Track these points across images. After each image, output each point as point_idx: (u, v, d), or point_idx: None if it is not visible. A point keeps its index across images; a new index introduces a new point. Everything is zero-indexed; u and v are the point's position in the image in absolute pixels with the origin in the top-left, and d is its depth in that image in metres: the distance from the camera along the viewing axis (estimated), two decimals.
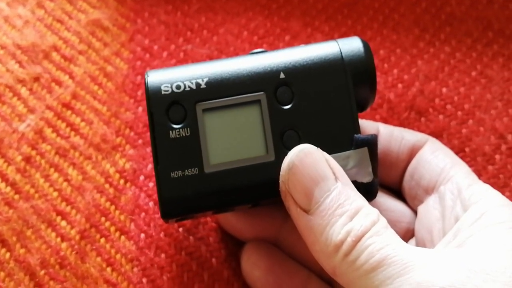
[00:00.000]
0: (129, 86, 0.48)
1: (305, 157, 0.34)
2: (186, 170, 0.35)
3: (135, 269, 0.41)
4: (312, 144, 0.34)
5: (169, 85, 0.36)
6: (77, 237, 0.42)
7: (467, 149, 0.45)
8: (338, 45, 0.37)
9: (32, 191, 0.43)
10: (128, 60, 0.49)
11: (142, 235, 0.42)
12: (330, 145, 0.35)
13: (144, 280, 0.40)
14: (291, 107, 0.36)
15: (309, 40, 0.50)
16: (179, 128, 0.35)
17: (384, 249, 0.31)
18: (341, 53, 0.37)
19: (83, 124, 0.46)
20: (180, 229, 0.42)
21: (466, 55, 0.49)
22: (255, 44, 0.50)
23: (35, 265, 0.41)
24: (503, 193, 0.36)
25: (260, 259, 0.40)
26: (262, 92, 0.36)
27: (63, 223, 0.42)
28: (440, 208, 0.37)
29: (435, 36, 0.50)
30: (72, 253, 0.41)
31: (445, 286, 0.29)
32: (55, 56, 0.49)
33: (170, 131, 0.35)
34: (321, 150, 0.34)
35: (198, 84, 0.36)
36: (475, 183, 0.37)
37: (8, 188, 0.43)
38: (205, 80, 0.36)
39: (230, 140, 0.36)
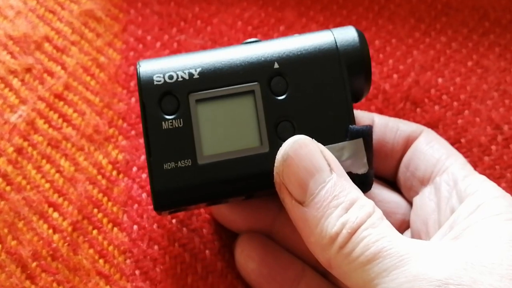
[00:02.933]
0: (121, 77, 0.47)
1: (299, 148, 0.33)
2: (179, 162, 0.35)
3: (128, 261, 0.40)
4: (307, 135, 0.34)
5: (162, 75, 0.35)
6: (69, 229, 0.41)
7: (463, 140, 0.45)
8: (333, 34, 0.37)
9: (23, 182, 0.43)
10: (121, 50, 0.49)
11: (135, 227, 0.42)
12: (325, 136, 0.35)
13: (137, 272, 0.40)
14: (285, 97, 0.35)
15: (304, 30, 0.50)
16: (171, 119, 0.35)
17: (380, 241, 0.30)
18: (335, 43, 0.36)
19: (75, 115, 0.46)
20: (173, 221, 0.42)
21: (462, 45, 0.49)
22: (249, 34, 0.50)
23: (27, 257, 0.40)
24: (499, 184, 0.36)
25: (254, 251, 0.39)
26: (256, 83, 0.35)
27: (55, 214, 0.42)
28: (436, 199, 0.37)
29: (431, 26, 0.50)
30: (64, 245, 0.41)
31: (441, 278, 0.28)
32: (47, 47, 0.49)
33: (163, 122, 0.35)
34: (315, 141, 0.34)
35: (191, 74, 0.35)
36: (471, 174, 0.36)
37: (0, 180, 0.43)
38: (198, 70, 0.35)
39: (224, 131, 0.35)
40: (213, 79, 0.35)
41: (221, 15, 0.51)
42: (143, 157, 0.44)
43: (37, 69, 0.47)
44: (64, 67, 0.48)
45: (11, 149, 0.44)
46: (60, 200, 0.42)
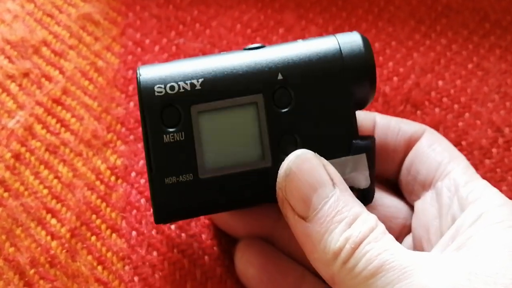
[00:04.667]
0: (120, 81, 0.47)
1: (302, 163, 0.33)
2: (180, 176, 0.34)
3: (127, 268, 0.40)
4: (310, 149, 0.34)
5: (163, 86, 0.34)
6: (68, 235, 0.41)
7: (463, 143, 0.45)
8: (337, 41, 0.36)
9: (21, 188, 0.43)
10: (119, 54, 0.49)
11: (134, 233, 0.41)
12: (328, 150, 0.34)
13: (136, 278, 0.40)
14: (288, 110, 0.35)
15: (303, 32, 0.50)
16: (173, 132, 0.34)
17: (382, 254, 0.30)
18: (340, 50, 0.35)
19: (73, 120, 0.45)
20: (172, 227, 0.42)
21: (462, 47, 0.49)
22: (249, 37, 0.50)
23: (25, 264, 0.40)
24: (500, 188, 0.36)
25: (254, 256, 0.39)
26: (259, 94, 0.35)
27: (53, 221, 0.42)
28: (437, 205, 0.37)
29: (431, 28, 0.50)
30: (63, 252, 0.41)
31: None
32: (45, 51, 0.48)
33: (164, 135, 0.34)
34: (318, 156, 0.33)
35: (193, 85, 0.34)
36: (472, 180, 0.36)
37: None
38: (200, 80, 0.34)
39: (226, 144, 0.35)
40: (216, 90, 0.34)
41: (220, 18, 0.51)
42: (142, 162, 0.44)
43: (35, 73, 0.47)
44: (62, 72, 0.47)
45: (8, 155, 0.44)
46: (58, 206, 0.42)
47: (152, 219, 0.41)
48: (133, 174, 0.43)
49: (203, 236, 0.41)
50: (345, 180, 0.34)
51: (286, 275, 0.39)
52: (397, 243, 0.31)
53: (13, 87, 0.47)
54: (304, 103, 0.35)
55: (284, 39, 0.49)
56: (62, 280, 0.40)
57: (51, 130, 0.45)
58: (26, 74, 0.47)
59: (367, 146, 0.35)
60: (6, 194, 0.42)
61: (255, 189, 0.35)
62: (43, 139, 0.44)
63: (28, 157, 0.44)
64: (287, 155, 0.33)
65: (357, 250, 0.31)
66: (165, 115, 0.34)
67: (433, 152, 0.38)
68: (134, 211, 0.42)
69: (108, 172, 0.43)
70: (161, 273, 0.40)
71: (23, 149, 0.44)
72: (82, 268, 0.40)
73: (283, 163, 0.33)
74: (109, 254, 0.41)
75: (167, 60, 0.48)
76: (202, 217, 0.42)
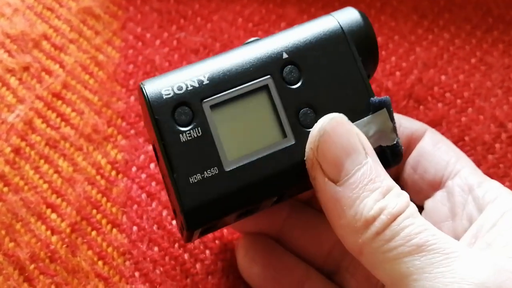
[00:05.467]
0: (120, 75, 0.47)
1: (337, 125, 0.32)
2: (205, 172, 0.33)
3: (127, 263, 0.40)
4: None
5: (170, 88, 0.33)
6: (68, 230, 0.41)
7: (466, 138, 0.44)
8: (334, 17, 0.36)
9: (21, 183, 0.42)
10: (120, 48, 0.48)
11: (135, 228, 0.41)
12: (348, 114, 0.34)
13: (137, 273, 0.40)
14: (300, 85, 0.34)
15: None
16: (189, 130, 0.33)
17: (424, 233, 0.29)
18: (339, 23, 0.35)
19: (73, 114, 0.45)
20: (174, 222, 0.41)
21: (465, 41, 0.48)
22: (250, 31, 0.49)
23: (25, 259, 0.40)
24: (503, 183, 0.35)
25: (258, 254, 0.39)
26: (268, 76, 0.34)
27: (53, 216, 0.41)
28: (449, 205, 0.36)
29: (434, 23, 0.49)
30: (63, 247, 0.40)
31: (491, 286, 0.28)
32: (45, 45, 0.48)
33: (180, 135, 0.33)
34: (351, 123, 0.33)
35: (200, 81, 0.34)
36: (485, 180, 0.35)
37: None
38: (207, 75, 0.34)
39: (245, 132, 0.34)
40: (224, 82, 0.34)
41: (221, 12, 0.50)
42: (143, 156, 0.43)
43: (35, 67, 0.47)
44: (62, 66, 0.47)
45: (8, 149, 0.43)
46: (59, 201, 0.42)
47: (153, 214, 0.41)
48: (133, 168, 0.43)
49: None
50: (371, 141, 0.33)
51: (290, 272, 0.38)
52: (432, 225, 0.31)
53: (13, 81, 0.46)
54: (314, 74, 0.35)
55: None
56: (62, 275, 0.39)
57: (51, 124, 0.45)
58: (26, 68, 0.47)
59: (385, 101, 0.34)
60: (6, 189, 0.42)
61: (283, 169, 0.34)
62: (43, 134, 0.44)
63: (28, 151, 0.44)
64: (308, 128, 0.33)
65: (394, 223, 0.30)
66: (177, 115, 0.33)
67: (439, 151, 0.38)
68: (135, 206, 0.42)
69: (109, 166, 0.43)
70: (162, 268, 0.40)
71: (23, 144, 0.44)
72: (83, 263, 0.40)
73: (316, 124, 0.32)
74: (109, 249, 0.40)
75: (168, 54, 0.48)
76: None
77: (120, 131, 0.45)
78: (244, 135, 0.34)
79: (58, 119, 0.45)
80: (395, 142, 0.34)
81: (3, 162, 0.43)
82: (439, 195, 0.37)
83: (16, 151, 0.43)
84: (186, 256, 0.40)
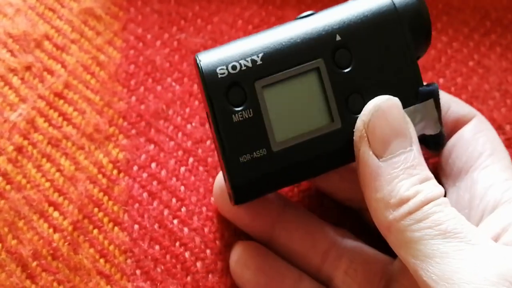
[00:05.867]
0: (122, 76, 0.47)
1: (392, 106, 0.33)
2: (254, 153, 0.34)
3: (129, 261, 0.40)
4: None
5: (225, 67, 0.34)
6: (70, 228, 0.41)
7: None
8: None
9: (24, 181, 0.43)
10: (121, 49, 0.49)
11: (136, 226, 0.41)
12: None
13: (138, 272, 0.40)
14: (351, 69, 0.35)
15: None
16: (241, 111, 0.34)
17: (452, 221, 0.30)
18: (393, 3, 0.35)
19: (75, 113, 0.45)
20: (175, 221, 0.42)
21: (463, 44, 0.49)
22: (250, 33, 0.49)
23: (27, 257, 0.40)
24: None
25: (250, 259, 0.39)
26: (320, 59, 0.34)
27: (56, 214, 0.42)
28: (469, 196, 0.36)
29: (432, 25, 0.49)
30: (65, 244, 0.41)
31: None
32: (47, 45, 0.48)
33: (233, 115, 0.34)
34: (403, 110, 0.34)
35: (254, 61, 0.34)
36: (507, 180, 0.35)
37: (0, 179, 0.43)
38: (260, 55, 0.34)
39: (294, 114, 0.34)
40: (277, 63, 0.34)
41: (221, 14, 0.51)
42: (144, 156, 0.44)
43: (37, 67, 0.47)
44: (64, 66, 0.47)
45: (11, 148, 0.44)
46: (61, 199, 0.42)
47: (154, 212, 0.42)
48: (135, 168, 0.43)
49: (205, 230, 0.41)
50: (416, 128, 0.34)
51: (283, 278, 0.39)
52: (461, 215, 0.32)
53: (15, 81, 0.47)
54: (365, 59, 0.35)
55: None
56: (64, 273, 0.40)
57: (53, 124, 0.45)
58: (28, 68, 0.47)
59: (434, 91, 0.35)
60: (8, 187, 0.42)
61: (329, 153, 0.35)
62: (45, 133, 0.44)
63: (30, 150, 0.44)
64: (355, 114, 0.34)
65: (426, 206, 0.31)
66: (230, 95, 0.34)
67: (476, 142, 0.38)
68: (137, 205, 0.42)
69: (110, 165, 0.43)
70: (163, 266, 0.40)
71: (25, 142, 0.44)
72: (84, 261, 0.40)
73: (372, 100, 0.33)
74: (111, 247, 0.41)
75: (168, 54, 0.48)
76: (204, 211, 0.42)
77: (121, 130, 0.45)
78: (293, 117, 0.34)
79: (60, 119, 0.45)
80: (438, 132, 0.35)
81: (6, 160, 0.43)
82: (463, 184, 0.37)
83: (19, 149, 0.44)
84: (187, 254, 0.41)
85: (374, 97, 0.34)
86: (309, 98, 0.35)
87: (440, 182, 0.39)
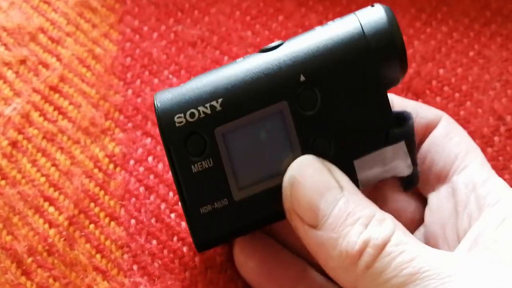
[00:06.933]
0: (118, 68, 0.47)
1: (305, 169, 0.32)
2: (215, 203, 0.33)
3: (126, 256, 0.40)
4: (345, 147, 0.33)
5: (182, 115, 0.33)
6: (66, 224, 0.41)
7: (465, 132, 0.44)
8: (359, 21, 0.33)
9: (18, 176, 0.42)
10: (117, 41, 0.48)
11: (133, 221, 0.41)
12: (365, 143, 0.33)
13: (135, 267, 0.40)
14: (316, 111, 0.33)
15: (303, 20, 0.49)
16: (200, 160, 0.33)
17: (415, 260, 0.29)
18: (363, 32, 0.33)
19: (71, 107, 0.45)
20: (172, 215, 0.41)
21: (463, 35, 0.48)
22: (248, 24, 0.49)
23: (22, 253, 0.40)
24: (502, 176, 0.35)
25: (254, 249, 0.38)
26: (283, 101, 0.33)
27: (51, 209, 0.41)
28: (453, 201, 0.35)
29: (432, 16, 0.49)
30: (60, 240, 0.40)
31: None
32: (42, 38, 0.48)
33: (192, 166, 0.33)
34: (322, 160, 0.32)
35: (213, 108, 0.33)
36: (489, 178, 0.35)
37: None
38: (220, 101, 0.33)
39: (257, 160, 0.33)
40: (237, 108, 0.33)
41: (218, 5, 0.50)
42: (141, 150, 0.43)
43: (32, 60, 0.47)
44: (59, 59, 0.47)
45: (5, 143, 0.43)
46: (56, 194, 0.42)
47: (151, 207, 0.41)
48: (131, 162, 0.43)
49: None
50: (386, 170, 0.33)
51: (287, 268, 0.38)
52: (423, 244, 0.30)
53: (10, 74, 0.46)
54: (332, 100, 0.33)
55: (283, 27, 0.49)
56: (60, 269, 0.39)
57: (48, 118, 0.44)
58: (23, 61, 0.47)
59: (405, 133, 0.34)
60: (3, 182, 0.42)
61: None
62: (40, 127, 0.44)
63: (25, 144, 0.43)
64: (323, 156, 0.33)
65: (381, 254, 0.29)
66: (189, 144, 0.33)
67: (450, 143, 0.37)
68: (133, 199, 0.42)
69: (106, 160, 0.43)
70: (161, 261, 0.40)
71: (20, 137, 0.44)
72: (80, 257, 0.40)
73: (285, 174, 0.32)
74: (107, 243, 0.40)
75: (165, 47, 0.48)
76: None
77: (117, 124, 0.44)
78: (256, 164, 0.33)
79: (55, 112, 0.45)
80: (409, 174, 0.34)
81: (0, 155, 0.43)
82: (444, 190, 0.36)
83: (13, 144, 0.43)
84: (185, 249, 0.40)
85: (340, 140, 0.33)
86: (272, 143, 0.33)
87: (417, 189, 0.39)
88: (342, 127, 0.33)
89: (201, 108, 0.33)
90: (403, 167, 0.34)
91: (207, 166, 0.33)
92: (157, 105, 0.33)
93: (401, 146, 0.34)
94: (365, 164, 0.34)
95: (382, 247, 0.30)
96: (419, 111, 0.38)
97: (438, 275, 0.28)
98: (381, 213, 0.31)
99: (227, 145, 0.33)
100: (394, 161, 0.34)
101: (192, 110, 0.33)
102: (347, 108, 0.33)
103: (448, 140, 0.37)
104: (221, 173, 0.33)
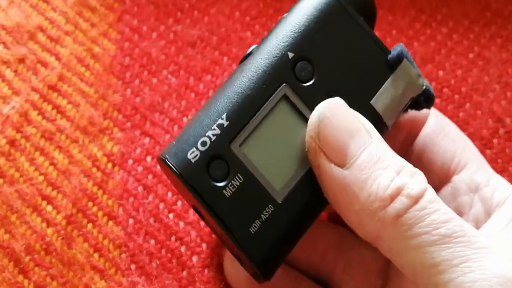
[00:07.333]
0: (117, 68, 0.47)
1: (336, 109, 0.31)
2: (261, 215, 0.31)
3: (123, 255, 0.40)
4: (356, 93, 0.32)
5: (194, 148, 0.31)
6: (63, 222, 0.40)
7: (464, 133, 0.44)
8: None
9: (16, 175, 0.42)
10: (116, 41, 0.48)
11: (131, 221, 0.41)
12: (372, 82, 0.33)
13: (133, 266, 0.39)
14: (316, 77, 0.32)
15: None
16: (230, 181, 0.31)
17: (451, 223, 0.28)
18: None
19: (69, 106, 0.45)
20: (170, 215, 0.41)
21: (463, 36, 0.48)
22: (247, 25, 0.49)
23: (20, 251, 0.39)
24: None
25: None
26: (283, 84, 0.32)
27: (49, 208, 0.41)
28: (455, 203, 0.35)
29: (432, 17, 0.49)
30: (58, 239, 0.40)
31: None
32: (40, 37, 0.48)
33: (224, 191, 0.31)
34: (348, 107, 0.31)
35: (220, 126, 0.31)
36: (492, 177, 0.34)
37: None
38: (224, 116, 0.31)
39: (281, 153, 0.32)
40: (243, 112, 0.32)
41: (218, 6, 0.50)
42: (139, 149, 0.43)
43: (31, 59, 0.47)
44: (58, 58, 0.47)
45: (3, 141, 0.43)
46: (54, 193, 0.41)
47: (149, 207, 0.41)
48: (130, 161, 0.43)
49: (201, 224, 0.41)
50: (403, 95, 0.32)
51: (279, 280, 0.37)
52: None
53: (9, 73, 0.46)
54: (325, 59, 0.33)
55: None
56: (57, 268, 0.39)
57: (46, 117, 0.44)
58: (21, 60, 0.46)
59: (401, 52, 0.33)
60: (1, 181, 0.42)
61: None
62: (38, 126, 0.44)
63: (24, 143, 0.43)
64: None
65: (415, 206, 0.28)
66: (212, 172, 0.31)
67: (445, 140, 0.36)
68: (131, 199, 0.41)
69: (105, 159, 0.43)
70: (158, 261, 0.40)
71: (18, 135, 0.43)
72: (78, 256, 0.39)
73: (313, 111, 0.31)
74: (105, 242, 0.40)
75: (164, 46, 0.48)
76: None
77: (116, 123, 0.44)
78: (281, 157, 0.32)
79: (54, 111, 0.44)
80: (424, 87, 0.34)
81: None
82: (445, 191, 0.36)
83: (12, 143, 0.43)
84: (182, 249, 0.40)
85: (349, 92, 0.32)
86: (288, 127, 0.32)
87: None
88: (346, 78, 0.33)
89: (209, 132, 0.31)
90: (415, 83, 0.33)
91: (238, 184, 0.31)
92: (164, 158, 0.31)
93: (405, 65, 0.33)
94: (382, 99, 0.33)
95: (417, 199, 0.28)
96: None
97: (472, 244, 0.27)
98: (412, 166, 0.30)
99: (248, 153, 0.31)
100: (406, 82, 0.33)
101: (202, 138, 0.31)
102: (342, 59, 0.33)
103: (443, 137, 0.36)
104: (255, 183, 0.31)
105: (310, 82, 0.33)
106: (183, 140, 0.31)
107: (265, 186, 0.31)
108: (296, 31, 0.33)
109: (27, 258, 0.39)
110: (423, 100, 0.34)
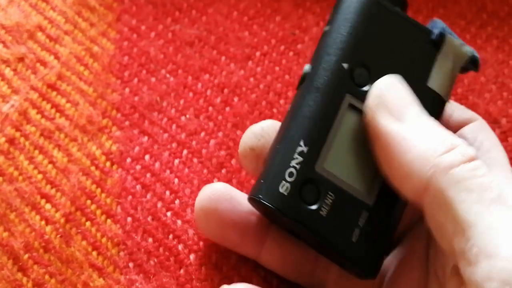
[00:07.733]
0: (115, 67, 0.47)
1: (396, 83, 0.32)
2: (358, 222, 0.32)
3: (122, 253, 0.40)
4: (413, 79, 0.33)
5: (283, 181, 0.32)
6: (62, 221, 0.41)
7: None
8: None
9: (15, 173, 0.42)
10: (115, 40, 0.48)
11: (129, 219, 0.41)
12: (423, 67, 0.34)
13: (131, 264, 0.40)
14: (373, 78, 0.33)
15: (300, 21, 0.49)
16: (323, 202, 0.32)
17: (502, 187, 0.28)
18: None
19: (68, 105, 0.45)
20: (168, 214, 0.41)
21: (460, 37, 0.48)
22: (245, 24, 0.49)
23: (19, 249, 0.40)
24: None
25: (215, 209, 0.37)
26: (346, 95, 0.33)
27: (48, 206, 0.41)
28: None
29: (429, 18, 0.49)
30: (57, 237, 0.40)
31: None
32: (40, 36, 0.48)
33: (320, 212, 0.32)
34: None
35: (301, 153, 0.32)
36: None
37: None
38: (301, 142, 0.32)
39: (359, 157, 0.33)
40: (318, 134, 0.33)
41: (216, 5, 0.50)
42: (138, 148, 0.43)
43: (30, 58, 0.47)
44: (57, 57, 0.47)
45: (3, 140, 0.43)
46: (53, 191, 0.42)
47: (147, 205, 0.41)
48: (128, 160, 0.43)
49: None
50: (454, 66, 0.34)
51: (251, 220, 0.37)
52: None
53: (8, 72, 0.46)
54: (379, 59, 0.34)
55: (280, 27, 0.49)
56: (56, 265, 0.39)
57: (46, 115, 0.44)
58: (21, 59, 0.47)
59: (442, 29, 0.34)
60: (0, 179, 0.42)
61: None
62: (37, 124, 0.44)
63: (23, 141, 0.43)
64: None
65: (469, 164, 0.28)
66: (305, 198, 0.32)
67: (478, 136, 0.36)
68: (130, 197, 0.42)
69: (103, 157, 0.43)
70: (156, 259, 0.40)
71: (17, 134, 0.44)
72: (77, 254, 0.40)
73: (375, 83, 0.33)
74: (104, 240, 0.40)
75: (163, 46, 0.48)
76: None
77: (114, 122, 0.45)
78: (361, 160, 0.33)
79: (53, 110, 0.45)
80: (470, 54, 0.34)
81: None
82: None
83: (11, 141, 0.43)
84: (180, 247, 0.40)
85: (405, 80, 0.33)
86: (360, 132, 0.33)
87: None
88: (399, 69, 0.33)
89: (293, 162, 0.32)
90: (462, 54, 0.34)
91: (331, 201, 0.32)
92: (259, 198, 0.32)
93: (449, 40, 0.34)
94: (437, 79, 0.34)
95: (470, 159, 0.29)
96: (456, 111, 0.37)
97: None
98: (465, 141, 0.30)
99: (331, 169, 0.32)
100: (454, 55, 0.34)
101: (288, 170, 0.32)
102: (391, 53, 0.34)
103: (477, 135, 0.36)
104: (345, 195, 0.32)
105: (369, 84, 0.33)
106: (270, 176, 0.32)
107: (354, 195, 0.32)
108: (344, 41, 0.34)
109: (26, 256, 0.40)
110: (471, 64, 0.35)
